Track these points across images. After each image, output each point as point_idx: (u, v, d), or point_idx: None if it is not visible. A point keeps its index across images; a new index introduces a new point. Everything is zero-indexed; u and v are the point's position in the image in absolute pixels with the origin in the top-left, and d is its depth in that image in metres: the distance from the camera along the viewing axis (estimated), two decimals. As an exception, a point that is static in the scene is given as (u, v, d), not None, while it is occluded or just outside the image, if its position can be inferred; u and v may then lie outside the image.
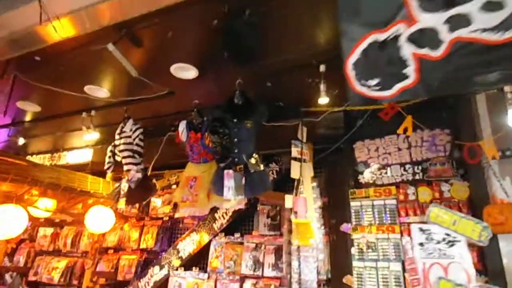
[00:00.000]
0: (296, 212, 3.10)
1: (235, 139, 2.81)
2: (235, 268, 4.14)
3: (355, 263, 3.31)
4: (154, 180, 3.70)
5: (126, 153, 3.48)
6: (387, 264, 3.17)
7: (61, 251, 5.69)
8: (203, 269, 4.43)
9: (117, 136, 3.59)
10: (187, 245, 4.59)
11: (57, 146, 5.26)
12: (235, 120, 2.83)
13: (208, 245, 4.48)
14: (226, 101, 2.95)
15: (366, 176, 3.51)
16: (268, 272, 3.95)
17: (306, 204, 3.13)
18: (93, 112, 3.70)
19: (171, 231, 5.10)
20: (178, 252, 4.61)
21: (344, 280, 3.36)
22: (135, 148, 3.45)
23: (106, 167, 3.59)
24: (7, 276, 5.65)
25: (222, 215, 4.48)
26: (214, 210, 4.56)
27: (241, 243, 4.27)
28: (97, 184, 4.07)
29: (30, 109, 3.82)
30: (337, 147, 3.74)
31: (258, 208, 4.28)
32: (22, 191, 3.60)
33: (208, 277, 4.28)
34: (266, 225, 4.17)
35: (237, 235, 4.35)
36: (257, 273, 4.00)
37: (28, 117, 4.22)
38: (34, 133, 4.72)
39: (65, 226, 5.74)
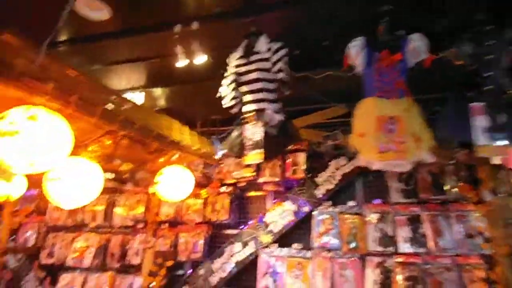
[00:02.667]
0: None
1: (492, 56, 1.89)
2: (357, 244, 3.29)
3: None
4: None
5: (259, 85, 2.41)
6: None
7: (86, 226, 4.44)
8: (305, 246, 3.52)
9: (239, 61, 2.50)
10: (279, 217, 3.63)
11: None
12: (488, 28, 1.89)
13: (308, 217, 3.57)
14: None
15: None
16: (405, 247, 3.16)
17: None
18: (195, 25, 2.52)
19: (240, 200, 4.09)
20: (267, 225, 3.64)
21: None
22: (278, 76, 2.39)
23: (229, 104, 2.49)
24: (11, 259, 4.34)
25: (328, 179, 3.57)
26: (314, 174, 3.65)
27: (357, 214, 3.41)
28: (184, 135, 2.93)
29: (93, 15, 2.56)
30: None
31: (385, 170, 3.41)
32: (95, 136, 2.41)
33: (312, 255, 3.40)
34: (398, 191, 3.34)
35: (351, 203, 3.48)
36: (389, 249, 3.19)
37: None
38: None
39: (90, 194, 4.46)
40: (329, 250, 3.35)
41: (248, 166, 3.84)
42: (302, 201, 3.59)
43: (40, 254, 4.41)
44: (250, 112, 2.45)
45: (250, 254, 3.61)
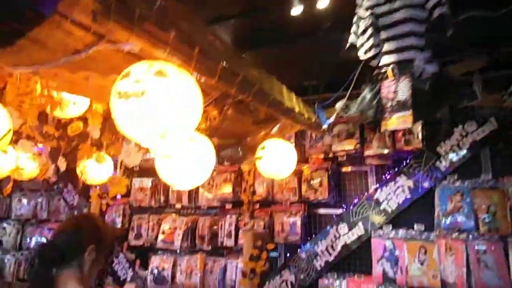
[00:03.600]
0: None
1: None
2: (497, 224, 2.74)
3: None
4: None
5: (407, 27, 1.90)
6: None
7: (171, 207, 4.28)
8: (428, 227, 3.02)
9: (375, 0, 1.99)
10: (392, 194, 3.15)
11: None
12: None
13: (428, 193, 3.06)
14: None
15: None
16: None
17: None
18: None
19: (337, 176, 3.64)
20: (379, 203, 3.18)
21: None
22: (434, 14, 1.86)
23: (368, 55, 2.00)
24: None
25: (453, 149, 3.01)
26: (434, 143, 3.09)
27: (494, 188, 2.84)
28: (293, 101, 2.52)
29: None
30: None
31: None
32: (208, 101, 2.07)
33: (438, 236, 2.90)
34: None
35: (487, 176, 2.90)
36: (542, 230, 2.61)
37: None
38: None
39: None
40: (460, 231, 2.83)
41: (351, 137, 3.38)
42: (420, 176, 3.07)
43: (128, 236, 4.33)
44: (390, 64, 1.96)
45: (360, 237, 3.19)
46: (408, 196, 3.09)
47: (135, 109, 1.28)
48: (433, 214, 2.99)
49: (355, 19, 2.16)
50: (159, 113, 1.30)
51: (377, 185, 3.26)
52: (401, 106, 1.93)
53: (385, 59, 1.98)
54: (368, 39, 1.96)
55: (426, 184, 3.05)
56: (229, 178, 3.85)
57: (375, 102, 2.03)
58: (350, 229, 3.23)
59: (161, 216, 4.22)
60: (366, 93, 2.09)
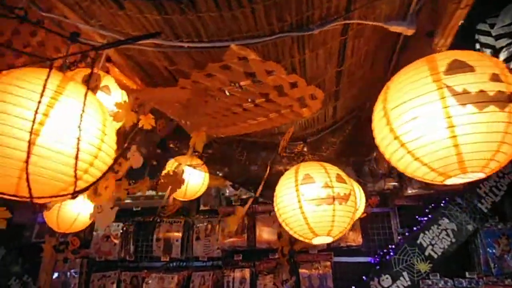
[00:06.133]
0: None
1: None
2: (549, 268, 2.70)
3: None
4: None
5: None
6: None
7: (156, 260, 3.32)
8: (474, 272, 2.84)
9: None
10: (437, 238, 2.92)
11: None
12: None
13: (472, 237, 2.91)
14: None
15: None
16: None
17: None
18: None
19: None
20: (423, 249, 2.91)
21: None
22: None
23: None
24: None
25: (491, 189, 2.95)
26: (474, 184, 3.00)
27: (537, 231, 2.84)
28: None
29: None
30: None
31: None
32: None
33: (487, 283, 2.75)
34: None
35: (529, 218, 2.89)
36: None
37: None
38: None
39: (157, 217, 3.36)
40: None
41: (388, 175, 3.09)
42: (464, 218, 2.92)
43: (85, 303, 3.20)
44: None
45: (406, 288, 2.84)
46: (453, 240, 2.89)
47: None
48: (479, 258, 2.84)
49: (477, 46, 1.91)
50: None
51: (418, 227, 3.00)
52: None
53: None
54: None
55: (470, 228, 2.91)
56: (241, 221, 3.16)
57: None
58: (394, 280, 2.86)
59: (137, 273, 3.23)
60: None
